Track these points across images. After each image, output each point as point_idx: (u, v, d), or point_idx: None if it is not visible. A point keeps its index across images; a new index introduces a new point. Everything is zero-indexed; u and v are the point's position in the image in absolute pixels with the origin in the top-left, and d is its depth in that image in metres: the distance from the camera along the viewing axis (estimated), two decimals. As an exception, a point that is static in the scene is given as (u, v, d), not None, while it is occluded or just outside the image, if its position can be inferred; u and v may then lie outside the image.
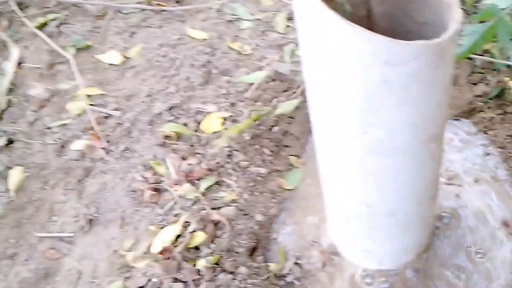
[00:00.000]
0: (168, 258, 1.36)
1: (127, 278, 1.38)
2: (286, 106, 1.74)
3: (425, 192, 1.14)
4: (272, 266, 1.38)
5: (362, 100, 0.88)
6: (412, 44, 0.78)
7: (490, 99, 1.67)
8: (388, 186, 1.06)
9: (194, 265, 1.35)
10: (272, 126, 1.70)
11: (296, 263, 1.40)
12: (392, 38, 0.78)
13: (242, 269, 1.34)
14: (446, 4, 0.88)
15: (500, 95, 1.66)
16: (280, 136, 1.70)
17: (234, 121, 1.71)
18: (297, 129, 1.72)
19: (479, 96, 1.68)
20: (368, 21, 1.02)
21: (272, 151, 1.66)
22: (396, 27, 1.02)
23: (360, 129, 0.93)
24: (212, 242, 1.40)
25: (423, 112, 0.91)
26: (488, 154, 1.57)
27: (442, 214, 1.43)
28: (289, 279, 1.37)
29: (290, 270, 1.39)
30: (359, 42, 0.79)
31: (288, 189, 1.59)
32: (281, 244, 1.46)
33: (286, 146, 1.70)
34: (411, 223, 1.22)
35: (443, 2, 0.89)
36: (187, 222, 1.43)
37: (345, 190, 1.13)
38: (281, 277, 1.38)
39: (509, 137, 1.56)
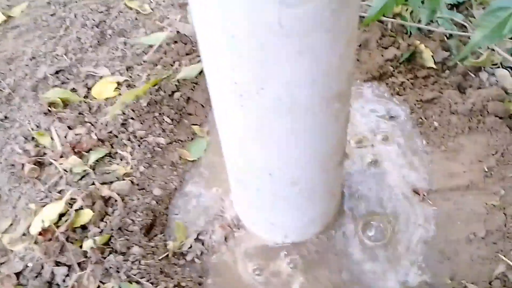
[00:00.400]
0: (50, 240, 1.20)
1: (2, 263, 1.20)
2: (189, 71, 1.59)
3: (331, 157, 1.05)
4: (171, 244, 1.25)
5: (255, 49, 0.75)
6: (309, -20, 0.67)
7: (401, 63, 1.61)
8: (289, 150, 0.95)
9: (81, 246, 1.19)
10: (173, 92, 1.55)
11: (197, 239, 1.28)
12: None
13: (136, 249, 1.19)
14: None
15: (411, 58, 1.61)
16: (182, 103, 1.55)
17: (130, 86, 1.55)
18: (201, 96, 1.58)
19: (390, 60, 1.62)
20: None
21: (173, 120, 1.51)
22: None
23: (255, 84, 0.81)
24: (101, 220, 1.25)
25: (324, 65, 0.80)
26: (397, 118, 1.51)
27: (350, 181, 1.36)
28: (189, 257, 1.25)
29: (191, 247, 1.26)
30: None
31: (190, 160, 1.46)
32: (181, 220, 1.33)
33: (189, 114, 1.56)
34: (317, 192, 1.13)
35: None
36: (73, 199, 1.27)
37: (245, 156, 1.01)
38: (180, 255, 1.26)
39: (419, 101, 1.51)
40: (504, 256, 1.14)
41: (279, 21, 0.71)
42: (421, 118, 1.50)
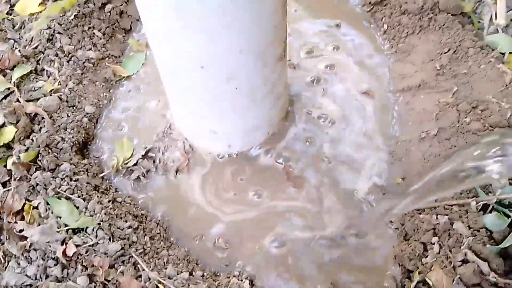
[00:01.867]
0: (-31, 160, 1.09)
1: None
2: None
3: (268, 48, 0.95)
4: (115, 161, 1.16)
5: None
6: None
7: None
8: (220, 33, 0.85)
9: (5, 165, 1.09)
10: (104, 4, 1.42)
11: (145, 156, 1.18)
12: None
13: (66, 166, 1.10)
14: None
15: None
16: (115, 17, 1.42)
17: (56, 1, 1.40)
18: (136, 10, 1.45)
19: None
20: None
21: (104, 34, 1.39)
22: None
23: None
24: (27, 138, 1.14)
25: None
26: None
27: (298, 90, 1.28)
28: (134, 175, 1.16)
29: (136, 164, 1.17)
30: None
31: (126, 76, 1.35)
32: (118, 137, 1.23)
33: (124, 29, 1.44)
34: (258, 92, 1.04)
35: None
36: (-5, 117, 1.15)
37: (172, 45, 0.91)
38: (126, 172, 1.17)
39: (368, 4, 1.43)
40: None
41: None
42: (370, 22, 1.42)
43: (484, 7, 1.36)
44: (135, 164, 1.18)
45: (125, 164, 1.17)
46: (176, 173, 1.17)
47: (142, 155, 1.18)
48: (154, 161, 1.18)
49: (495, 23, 1.30)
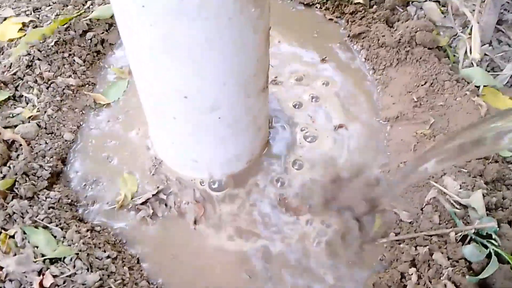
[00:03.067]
0: None
1: None
2: (103, 10, 1.46)
3: (252, 79, 0.97)
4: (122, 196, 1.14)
5: None
6: None
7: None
8: (205, 66, 0.86)
9: (-20, 194, 1.06)
10: (85, 31, 1.42)
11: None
12: None
13: (43, 194, 1.08)
14: None
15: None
16: (97, 45, 1.42)
17: (37, 27, 1.40)
18: (118, 38, 1.46)
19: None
20: None
21: (85, 61, 1.38)
22: None
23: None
24: (4, 165, 1.12)
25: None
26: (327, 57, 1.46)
27: (277, 116, 1.30)
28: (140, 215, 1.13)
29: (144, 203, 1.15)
30: None
31: (106, 103, 1.34)
32: (97, 166, 1.22)
33: (104, 54, 1.44)
34: (240, 122, 1.05)
35: None
36: (-29, 143, 1.13)
37: (156, 75, 0.91)
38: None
39: (348, 37, 1.46)
40: (435, 182, 1.11)
41: None
42: (350, 53, 1.45)
43: (459, 41, 1.40)
44: (143, 203, 1.15)
45: (131, 199, 1.15)
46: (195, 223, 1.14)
47: (153, 194, 1.15)
48: (166, 204, 1.15)
49: (470, 57, 1.34)
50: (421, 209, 1.09)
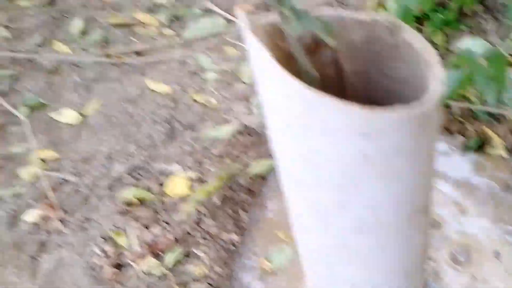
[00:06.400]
0: None
1: None
2: (261, 166, 1.61)
3: (413, 265, 1.02)
4: None
5: (337, 175, 0.76)
6: (391, 114, 0.67)
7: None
8: (373, 263, 0.93)
9: None
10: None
11: None
12: (367, 107, 0.67)
13: None
14: (424, 60, 0.78)
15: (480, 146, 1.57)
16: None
17: (201, 181, 1.58)
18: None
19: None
20: (338, 81, 0.91)
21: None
22: (371, 85, 0.91)
23: (337, 204, 0.82)
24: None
25: (407, 185, 0.79)
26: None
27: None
28: None
29: None
30: (328, 113, 0.68)
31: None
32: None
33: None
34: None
35: (420, 57, 0.79)
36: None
37: (327, 268, 1.00)
38: None
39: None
40: None
41: (364, 153, 0.71)
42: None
43: None
44: None
45: None
46: None
47: None
48: None
49: None
50: None
